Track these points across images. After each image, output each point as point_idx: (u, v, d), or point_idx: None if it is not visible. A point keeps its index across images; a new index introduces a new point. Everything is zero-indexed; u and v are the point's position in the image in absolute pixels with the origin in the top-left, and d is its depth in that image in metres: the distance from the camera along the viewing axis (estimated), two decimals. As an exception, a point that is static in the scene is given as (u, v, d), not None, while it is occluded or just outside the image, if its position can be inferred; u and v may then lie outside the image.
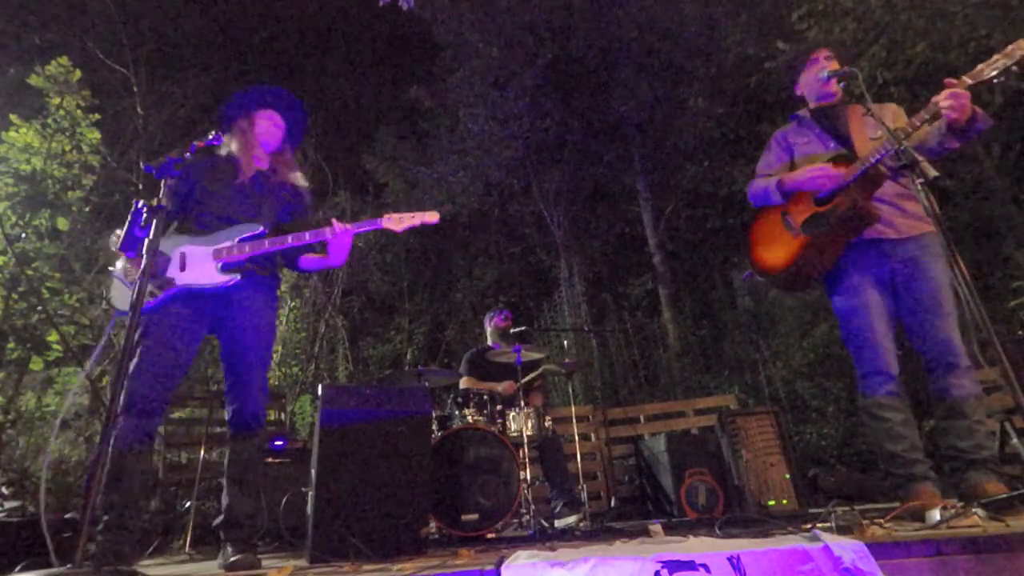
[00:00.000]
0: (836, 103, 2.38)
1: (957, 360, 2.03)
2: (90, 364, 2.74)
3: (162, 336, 1.97)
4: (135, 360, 1.95)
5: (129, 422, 1.89)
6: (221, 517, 2.07)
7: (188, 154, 1.98)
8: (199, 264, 2.05)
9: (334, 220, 2.19)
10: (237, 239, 2.11)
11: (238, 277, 2.06)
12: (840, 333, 2.35)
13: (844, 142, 2.28)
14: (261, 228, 2.15)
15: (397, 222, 2.24)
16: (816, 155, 2.33)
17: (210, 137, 2.06)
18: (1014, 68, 1.84)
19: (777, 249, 2.37)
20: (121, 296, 2.05)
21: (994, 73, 1.86)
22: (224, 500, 2.09)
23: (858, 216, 2.12)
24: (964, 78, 1.91)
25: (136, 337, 2.01)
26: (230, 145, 2.32)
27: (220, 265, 2.07)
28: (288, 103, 2.42)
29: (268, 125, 2.36)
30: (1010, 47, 1.84)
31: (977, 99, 1.94)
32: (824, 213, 2.21)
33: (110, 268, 2.09)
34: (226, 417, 2.17)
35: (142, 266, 1.60)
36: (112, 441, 1.77)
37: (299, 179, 2.44)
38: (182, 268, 2.04)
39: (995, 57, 1.86)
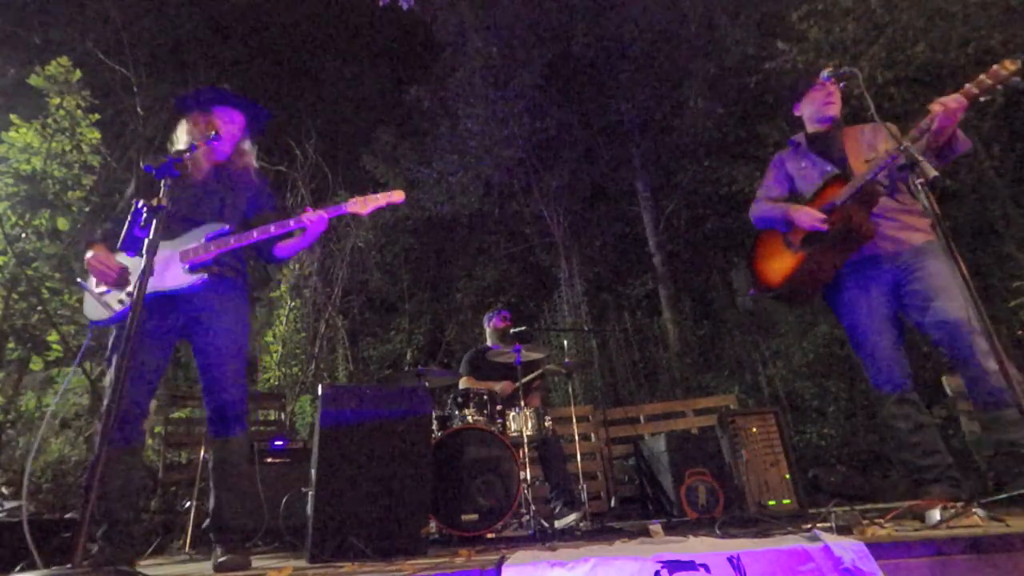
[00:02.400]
0: (830, 128, 2.43)
1: (975, 338, 1.97)
2: (66, 381, 2.75)
3: (135, 344, 1.97)
4: (110, 370, 1.98)
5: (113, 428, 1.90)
6: (209, 520, 2.07)
7: (188, 153, 1.98)
8: (166, 267, 2.04)
9: (308, 208, 2.18)
10: (203, 239, 2.10)
11: (205, 276, 2.05)
12: (845, 335, 2.40)
13: (840, 163, 2.33)
14: (227, 226, 2.13)
15: (362, 205, 2.23)
16: (813, 183, 2.40)
17: (210, 136, 2.07)
18: (999, 87, 1.90)
19: (777, 265, 2.46)
20: (92, 307, 2.07)
21: (978, 91, 1.92)
22: (211, 503, 2.08)
23: (853, 233, 2.18)
24: (957, 96, 1.96)
25: (109, 347, 2.04)
26: (182, 138, 2.27)
27: (187, 266, 2.05)
28: (247, 103, 2.38)
29: (227, 123, 2.30)
30: (995, 66, 1.89)
31: (977, 100, 1.97)
32: (820, 232, 2.27)
33: (79, 280, 2.11)
34: (207, 419, 2.16)
35: (142, 266, 1.59)
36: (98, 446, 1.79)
37: (253, 162, 2.41)
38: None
39: (981, 76, 1.92)
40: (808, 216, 2.27)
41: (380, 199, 2.24)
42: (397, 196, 2.26)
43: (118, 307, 2.02)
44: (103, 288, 2.04)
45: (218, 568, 1.91)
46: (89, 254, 2.04)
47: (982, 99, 1.96)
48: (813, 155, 2.44)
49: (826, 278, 2.35)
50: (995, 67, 1.89)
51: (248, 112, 2.38)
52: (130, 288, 2.02)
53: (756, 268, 2.60)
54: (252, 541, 3.06)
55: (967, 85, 1.95)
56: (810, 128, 2.51)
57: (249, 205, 2.34)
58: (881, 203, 2.22)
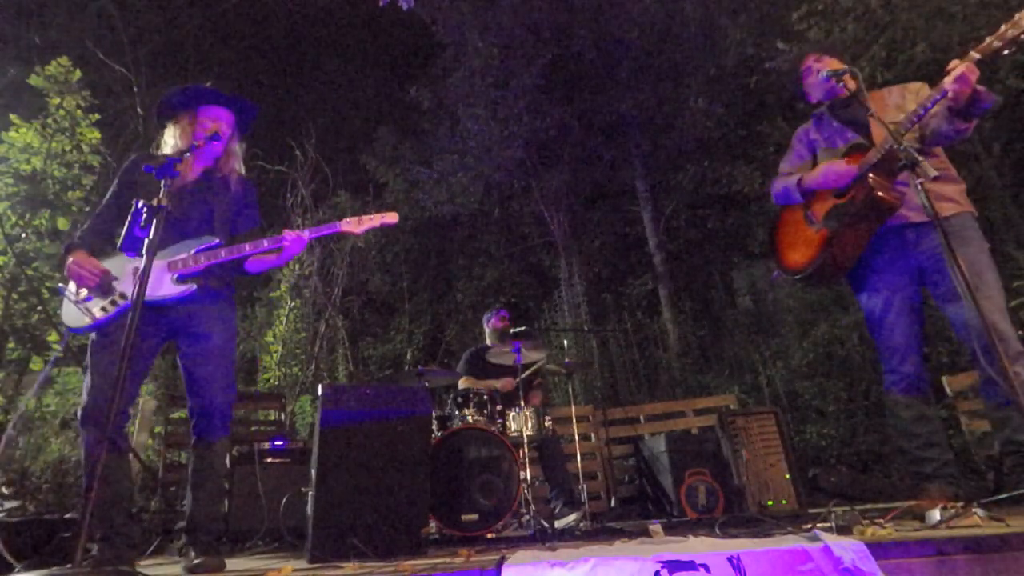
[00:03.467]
0: (852, 94, 2.33)
1: (1003, 345, 1.88)
2: (36, 387, 2.70)
3: (115, 350, 1.92)
4: (89, 376, 1.96)
5: (91, 433, 1.90)
6: (183, 522, 2.06)
7: (188, 153, 1.98)
8: (154, 278, 1.99)
9: (285, 230, 2.16)
10: (193, 251, 2.08)
11: (194, 286, 2.03)
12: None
13: (862, 130, 2.24)
14: (216, 240, 2.11)
15: (356, 224, 2.23)
16: (836, 148, 2.30)
17: (209, 135, 2.06)
18: (1023, 37, 1.77)
19: (802, 246, 2.35)
20: (70, 314, 2.03)
21: (1000, 44, 1.80)
22: (187, 504, 2.07)
23: (877, 205, 2.07)
24: (972, 53, 1.86)
25: (88, 353, 2.01)
26: (169, 142, 2.23)
27: (175, 276, 2.03)
28: (235, 100, 2.31)
29: (215, 123, 2.22)
30: (1017, 16, 1.77)
31: (999, 55, 1.86)
32: (843, 205, 2.17)
33: (60, 286, 2.07)
34: (190, 422, 2.14)
35: (141, 266, 1.59)
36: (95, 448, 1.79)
37: (241, 167, 2.37)
38: None
39: (1003, 28, 1.80)
40: (830, 170, 2.16)
41: (374, 220, 2.25)
42: (391, 218, 2.29)
43: (100, 314, 1.98)
44: (83, 295, 2.01)
45: (191, 571, 1.89)
46: (69, 260, 1.99)
47: (1005, 52, 1.82)
48: (836, 122, 2.35)
49: (854, 255, 2.23)
50: (1019, 15, 1.77)
51: (236, 110, 2.31)
52: (113, 296, 1.99)
53: (779, 251, 2.49)
54: (252, 541, 3.07)
55: (988, 38, 1.83)
56: (827, 102, 2.43)
57: (236, 214, 2.31)
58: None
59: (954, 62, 1.89)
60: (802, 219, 2.37)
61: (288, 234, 2.14)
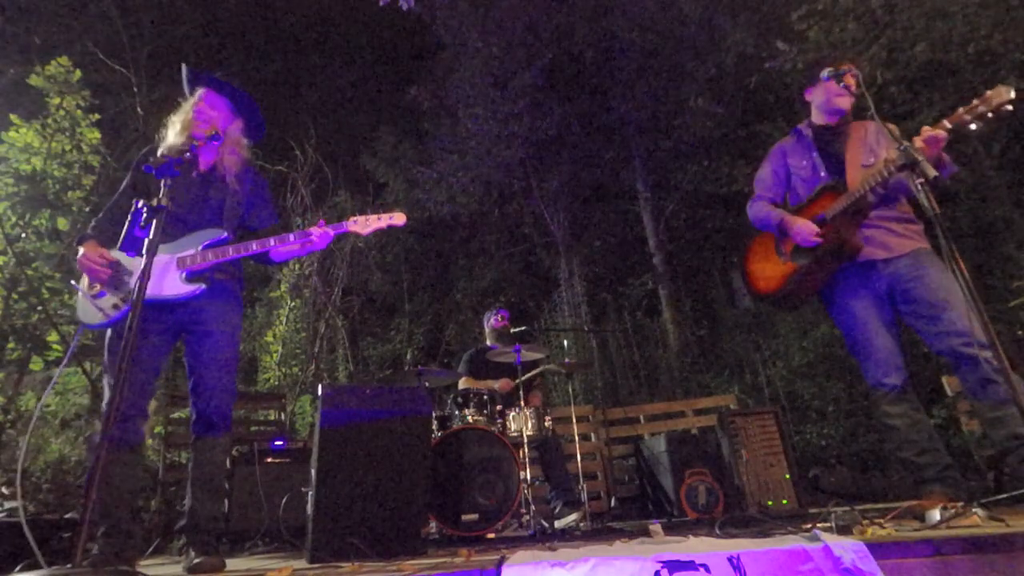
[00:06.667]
0: (839, 124, 2.40)
1: (981, 349, 1.93)
2: (55, 377, 2.70)
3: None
4: (107, 374, 1.98)
5: (108, 431, 1.89)
6: (183, 521, 2.05)
7: (188, 153, 1.98)
8: (163, 274, 2.01)
9: (312, 229, 2.16)
10: (201, 246, 2.07)
11: (203, 286, 2.03)
12: (839, 332, 2.40)
13: (837, 168, 2.32)
14: (225, 234, 2.11)
15: (363, 225, 2.22)
16: (807, 187, 2.42)
17: (210, 135, 2.06)
18: (990, 115, 1.86)
19: (768, 272, 2.51)
20: (85, 310, 2.04)
21: (969, 117, 1.88)
22: (187, 503, 2.07)
23: (842, 250, 2.21)
24: (944, 121, 1.94)
25: (105, 351, 2.02)
26: (169, 136, 2.22)
27: (184, 274, 2.03)
28: (234, 95, 2.32)
29: (207, 107, 2.24)
30: (989, 93, 1.85)
31: (967, 127, 1.92)
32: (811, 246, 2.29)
33: (73, 282, 2.08)
34: (191, 419, 2.14)
35: (141, 266, 1.59)
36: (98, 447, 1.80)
37: (247, 154, 2.35)
38: None
39: (975, 102, 1.87)
40: (802, 231, 2.28)
41: (381, 220, 2.23)
42: (398, 219, 2.25)
43: (112, 312, 1.99)
44: (96, 291, 2.02)
45: (192, 570, 1.88)
46: (80, 251, 2.01)
47: (973, 127, 1.89)
48: (815, 152, 2.41)
49: (815, 288, 2.39)
50: (989, 92, 1.84)
51: (237, 103, 2.32)
52: (125, 291, 2.00)
53: (748, 270, 2.65)
54: (252, 541, 3.07)
55: (959, 109, 1.90)
56: (817, 119, 2.47)
57: (246, 207, 2.31)
58: (872, 211, 2.22)
59: (925, 128, 1.98)
60: (772, 247, 2.52)
61: (315, 230, 2.15)
